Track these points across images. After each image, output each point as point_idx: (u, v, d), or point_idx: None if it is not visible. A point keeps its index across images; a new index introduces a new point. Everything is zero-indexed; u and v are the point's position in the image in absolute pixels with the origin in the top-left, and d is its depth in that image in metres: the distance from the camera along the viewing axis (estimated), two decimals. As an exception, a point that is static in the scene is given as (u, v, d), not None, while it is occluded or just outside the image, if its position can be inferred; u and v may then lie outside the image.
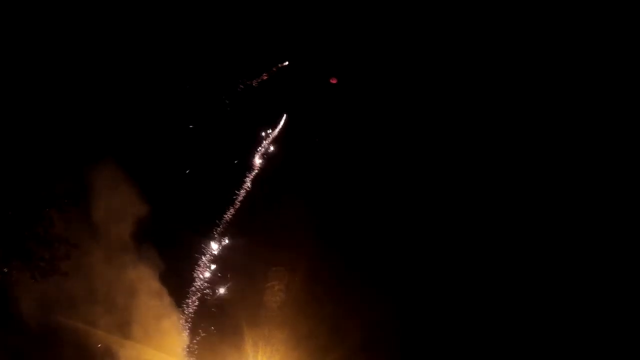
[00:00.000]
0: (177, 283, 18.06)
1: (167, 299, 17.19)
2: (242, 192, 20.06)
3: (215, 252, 19.26)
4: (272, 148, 20.53)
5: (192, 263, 18.94)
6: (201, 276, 18.86)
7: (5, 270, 12.57)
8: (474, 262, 20.04)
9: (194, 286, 18.58)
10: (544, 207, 19.88)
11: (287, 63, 19.95)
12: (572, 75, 19.25)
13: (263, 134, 20.56)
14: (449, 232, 20.42)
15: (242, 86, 19.62)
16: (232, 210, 19.80)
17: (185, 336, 17.58)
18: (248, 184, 20.15)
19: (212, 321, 18.26)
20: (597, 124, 19.20)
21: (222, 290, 18.78)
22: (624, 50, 18.52)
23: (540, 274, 19.48)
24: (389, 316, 19.28)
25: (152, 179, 18.00)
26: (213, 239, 19.34)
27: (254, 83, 19.86)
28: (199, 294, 18.52)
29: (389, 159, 20.95)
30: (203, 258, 19.13)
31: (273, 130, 20.75)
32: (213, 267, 19.08)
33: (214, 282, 18.85)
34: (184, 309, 17.89)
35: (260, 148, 20.40)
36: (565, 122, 19.62)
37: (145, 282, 16.73)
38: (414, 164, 20.81)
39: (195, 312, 18.09)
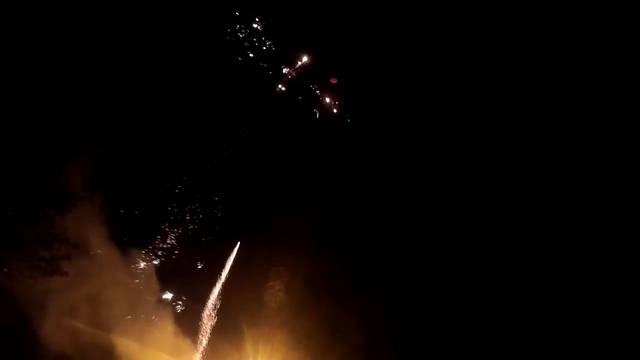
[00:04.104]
0: (177, 283, 18.10)
1: (166, 299, 17.26)
2: (242, 192, 20.05)
3: (216, 252, 19.26)
4: (271, 147, 20.48)
5: (191, 263, 18.94)
6: (201, 276, 18.87)
7: (5, 270, 12.60)
8: (474, 262, 20.06)
9: (193, 286, 18.57)
10: (544, 207, 19.87)
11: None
12: (572, 75, 19.24)
13: (263, 132, 20.51)
14: (449, 232, 20.42)
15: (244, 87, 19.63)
16: (232, 210, 19.80)
17: (185, 336, 17.60)
18: (248, 184, 20.13)
19: (212, 321, 18.26)
20: (597, 124, 19.20)
21: (221, 290, 18.77)
22: (624, 50, 18.52)
23: (540, 274, 19.49)
24: (389, 316, 19.29)
25: (152, 177, 18.05)
26: (213, 238, 19.34)
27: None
28: (198, 294, 18.51)
29: (390, 158, 20.94)
30: (203, 258, 19.14)
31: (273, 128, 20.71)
32: (213, 267, 19.08)
33: (214, 282, 18.85)
34: (184, 309, 17.90)
35: (259, 147, 20.35)
36: (565, 122, 19.62)
37: (144, 282, 16.79)
38: (414, 163, 20.81)
39: (195, 312, 18.09)
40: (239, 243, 19.43)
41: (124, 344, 15.90)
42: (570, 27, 18.81)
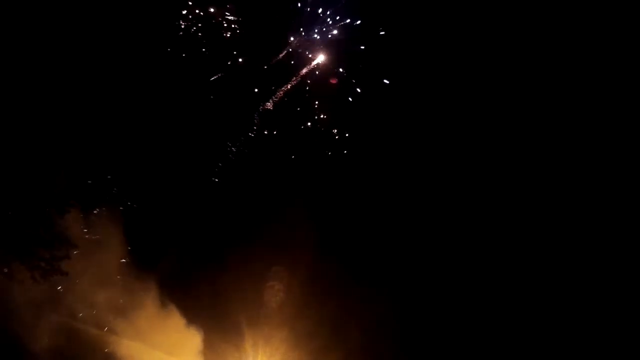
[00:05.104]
0: (177, 283, 18.12)
1: (166, 299, 17.28)
2: (242, 192, 20.08)
3: (216, 252, 19.29)
4: (271, 148, 20.49)
5: (192, 263, 18.98)
6: (201, 276, 18.88)
7: (6, 270, 12.64)
8: (474, 262, 20.05)
9: (194, 286, 18.59)
10: (544, 207, 19.85)
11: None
12: (572, 75, 19.21)
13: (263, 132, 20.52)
14: (449, 232, 20.41)
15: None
16: (232, 210, 19.84)
17: (185, 336, 17.63)
18: (248, 183, 20.16)
19: (212, 321, 18.29)
20: (597, 124, 19.16)
21: (221, 290, 18.79)
22: (624, 50, 18.48)
23: (540, 274, 19.47)
24: (389, 316, 19.30)
25: (153, 179, 18.11)
26: (213, 238, 19.38)
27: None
28: (199, 294, 18.52)
29: (390, 158, 20.94)
30: (203, 258, 19.18)
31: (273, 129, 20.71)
32: (213, 267, 19.10)
33: (213, 282, 18.86)
34: (184, 309, 17.91)
35: (260, 147, 20.37)
36: (566, 122, 19.59)
37: (144, 282, 16.83)
38: (414, 163, 20.80)
39: (195, 312, 18.10)
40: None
41: (120, 342, 15.96)
42: (570, 27, 18.80)
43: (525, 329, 19.20)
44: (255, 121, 20.02)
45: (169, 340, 17.21)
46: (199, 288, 18.64)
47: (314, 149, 20.59)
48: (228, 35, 18.66)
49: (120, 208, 16.84)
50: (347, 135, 20.60)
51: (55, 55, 14.32)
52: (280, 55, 19.59)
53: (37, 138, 13.40)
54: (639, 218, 18.67)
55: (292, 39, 19.42)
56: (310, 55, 19.77)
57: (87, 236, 15.13)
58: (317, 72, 19.97)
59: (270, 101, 20.08)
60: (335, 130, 20.53)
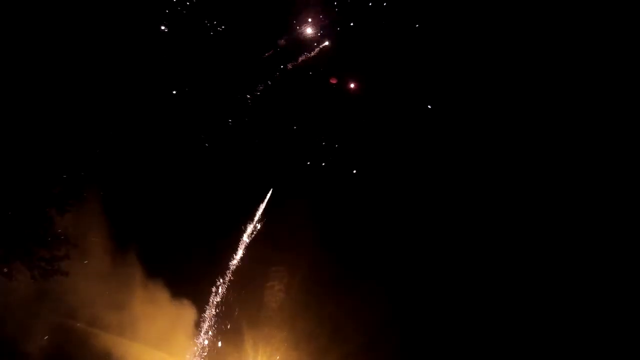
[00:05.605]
0: (177, 284, 18.11)
1: (166, 299, 17.27)
2: (242, 193, 20.06)
3: (215, 252, 19.28)
4: (270, 147, 20.48)
5: (192, 263, 18.95)
6: (201, 276, 18.87)
7: (5, 270, 12.61)
8: (474, 262, 20.05)
9: (193, 286, 18.58)
10: (544, 207, 19.87)
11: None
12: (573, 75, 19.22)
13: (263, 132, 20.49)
14: (449, 232, 20.41)
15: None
16: (232, 209, 19.82)
17: (185, 336, 17.61)
18: (247, 184, 20.14)
19: (212, 321, 18.28)
20: (597, 124, 19.18)
21: (222, 291, 18.78)
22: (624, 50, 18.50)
23: (540, 274, 19.49)
24: (389, 316, 19.30)
25: (154, 181, 18.09)
26: (213, 238, 19.36)
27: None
28: (198, 294, 18.52)
29: (390, 159, 20.94)
30: (203, 257, 19.15)
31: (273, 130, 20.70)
32: (213, 266, 19.10)
33: (213, 281, 18.86)
34: (183, 309, 17.90)
35: (259, 147, 20.35)
36: (566, 122, 19.60)
37: (144, 281, 16.81)
38: (414, 164, 20.80)
39: (195, 312, 18.10)
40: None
41: (119, 341, 15.94)
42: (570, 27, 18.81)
43: (526, 328, 19.21)
44: (255, 119, 20.00)
45: (169, 340, 17.19)
46: (199, 288, 18.64)
47: (314, 148, 20.61)
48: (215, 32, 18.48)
49: (119, 205, 16.83)
50: (347, 136, 20.57)
51: (49, 56, 14.25)
52: (277, 49, 19.44)
53: (36, 137, 13.34)
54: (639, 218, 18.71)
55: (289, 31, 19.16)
56: (310, 50, 19.63)
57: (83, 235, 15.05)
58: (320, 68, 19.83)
59: (268, 98, 20.05)
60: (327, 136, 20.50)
